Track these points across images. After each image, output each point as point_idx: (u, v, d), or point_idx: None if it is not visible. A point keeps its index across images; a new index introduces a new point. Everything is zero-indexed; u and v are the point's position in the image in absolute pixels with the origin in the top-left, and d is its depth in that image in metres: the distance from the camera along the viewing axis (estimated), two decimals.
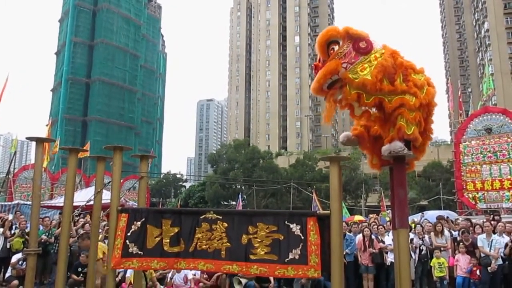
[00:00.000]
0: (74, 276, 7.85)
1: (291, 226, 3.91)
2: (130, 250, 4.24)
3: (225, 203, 46.97)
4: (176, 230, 4.25)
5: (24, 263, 8.01)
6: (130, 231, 4.31)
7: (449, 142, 60.87)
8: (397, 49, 3.85)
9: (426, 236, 9.48)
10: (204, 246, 4.12)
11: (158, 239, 4.26)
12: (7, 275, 8.71)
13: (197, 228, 4.19)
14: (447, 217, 14.85)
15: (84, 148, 20.01)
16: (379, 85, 3.58)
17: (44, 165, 24.29)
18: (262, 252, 3.92)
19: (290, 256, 3.82)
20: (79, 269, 7.89)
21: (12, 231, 9.78)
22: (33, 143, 5.05)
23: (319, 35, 3.83)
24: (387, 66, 3.62)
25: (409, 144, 3.73)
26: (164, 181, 64.44)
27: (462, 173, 18.76)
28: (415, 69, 3.82)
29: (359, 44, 3.67)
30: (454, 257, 8.99)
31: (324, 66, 3.71)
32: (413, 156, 3.87)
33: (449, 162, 35.85)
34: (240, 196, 30.27)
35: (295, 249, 3.83)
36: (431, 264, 8.90)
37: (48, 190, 25.36)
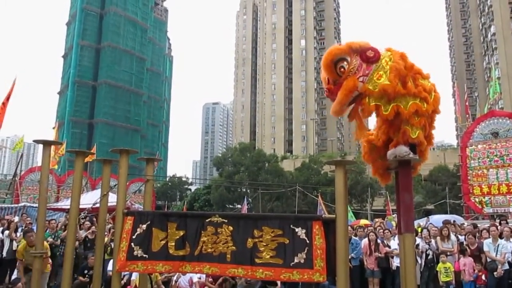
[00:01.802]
0: (81, 278, 7.95)
1: (297, 230, 3.90)
2: (135, 253, 4.25)
3: (231, 206, 46.95)
4: (181, 233, 4.26)
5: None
6: (136, 234, 4.32)
7: (455, 146, 60.59)
8: (403, 51, 3.83)
9: (433, 241, 9.42)
10: (209, 250, 4.12)
11: (163, 242, 4.26)
12: (13, 277, 8.76)
13: (202, 232, 4.19)
14: (454, 221, 14.76)
15: (91, 151, 20.12)
16: (397, 88, 3.56)
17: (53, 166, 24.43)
18: (268, 256, 3.92)
19: (296, 260, 3.81)
20: (86, 271, 8.00)
21: (18, 233, 9.83)
22: (40, 146, 5.09)
23: (323, 57, 3.75)
24: (400, 68, 3.61)
25: (414, 148, 3.72)
26: (169, 184, 64.55)
27: (469, 177, 18.68)
28: (422, 74, 3.80)
29: (367, 54, 3.64)
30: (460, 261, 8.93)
31: (342, 86, 3.63)
32: (418, 160, 3.85)
33: (455, 166, 35.66)
34: (245, 199, 30.24)
35: (301, 253, 3.82)
36: (437, 269, 8.84)
37: (54, 192, 25.50)
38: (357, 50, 3.66)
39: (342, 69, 3.66)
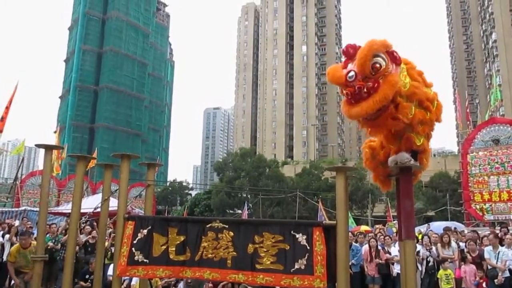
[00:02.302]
0: (82, 283, 7.95)
1: (297, 236, 3.90)
2: (136, 258, 4.25)
3: (231, 211, 46.90)
4: (182, 238, 4.26)
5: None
6: (137, 238, 4.32)
7: (456, 153, 60.49)
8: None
9: (433, 248, 9.40)
10: (210, 255, 4.12)
11: (164, 247, 4.27)
12: (13, 281, 8.73)
13: (203, 237, 4.19)
14: (455, 228, 14.73)
15: (92, 155, 20.07)
16: (422, 90, 3.57)
17: (54, 173, 24.45)
18: (268, 262, 3.92)
19: (296, 266, 3.81)
20: (87, 276, 8.01)
21: (19, 237, 9.82)
22: (41, 150, 5.11)
23: (361, 48, 3.40)
24: (414, 72, 3.63)
25: (415, 155, 3.73)
26: (170, 189, 64.53)
27: (470, 184, 18.67)
28: (426, 82, 3.80)
29: (394, 55, 3.45)
30: (461, 268, 8.90)
31: (387, 81, 3.30)
32: (419, 167, 3.87)
33: (456, 172, 35.63)
34: (245, 204, 30.21)
35: (301, 259, 3.82)
36: (438, 276, 8.81)
37: (55, 196, 25.49)
38: (389, 49, 3.46)
39: (377, 65, 3.32)
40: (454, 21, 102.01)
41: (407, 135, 3.64)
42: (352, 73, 3.37)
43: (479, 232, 11.18)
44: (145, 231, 4.32)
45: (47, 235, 9.26)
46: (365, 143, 4.14)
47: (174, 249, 4.23)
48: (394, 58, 3.42)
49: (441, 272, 8.78)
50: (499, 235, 9.49)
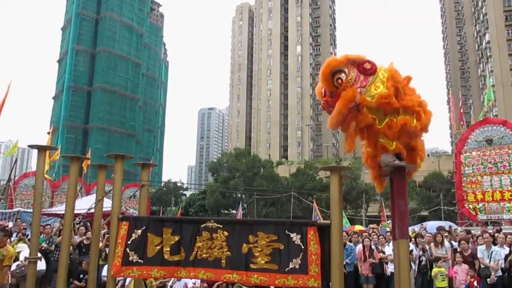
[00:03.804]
0: (76, 282, 7.94)
1: (292, 235, 3.91)
2: (131, 258, 4.24)
3: (226, 211, 46.92)
4: (176, 238, 4.25)
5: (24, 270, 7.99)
6: (131, 239, 4.31)
7: (450, 153, 60.89)
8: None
9: (427, 247, 9.46)
10: (204, 255, 4.12)
11: (158, 247, 4.26)
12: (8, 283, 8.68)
13: (197, 237, 4.19)
14: (450, 227, 14.83)
15: (86, 156, 20.01)
16: (393, 100, 3.57)
17: (45, 174, 24.30)
18: (263, 261, 3.92)
19: (291, 266, 3.82)
20: (81, 276, 8.01)
21: (12, 239, 9.77)
22: (34, 151, 5.08)
23: (322, 69, 3.74)
24: (397, 78, 3.66)
25: (399, 156, 3.77)
26: (164, 189, 64.37)
27: (463, 184, 18.78)
28: (414, 90, 3.84)
29: (364, 67, 3.66)
30: (453, 268, 8.96)
31: (341, 96, 3.63)
32: (410, 167, 3.91)
33: (450, 172, 35.84)
34: (240, 205, 30.22)
35: (296, 258, 3.83)
36: (433, 273, 8.87)
37: (49, 197, 25.35)
38: (355, 62, 3.68)
39: (339, 81, 3.66)
40: (448, 21, 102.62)
41: (380, 143, 3.70)
42: (323, 90, 3.81)
43: (472, 232, 11.27)
44: (139, 232, 4.31)
45: (41, 236, 9.23)
46: (354, 148, 4.17)
47: (168, 249, 4.22)
48: (364, 70, 3.64)
49: (435, 269, 8.84)
50: (495, 235, 9.57)
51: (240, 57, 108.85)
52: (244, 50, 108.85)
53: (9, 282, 8.52)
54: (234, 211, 42.77)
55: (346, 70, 3.67)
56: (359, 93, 3.63)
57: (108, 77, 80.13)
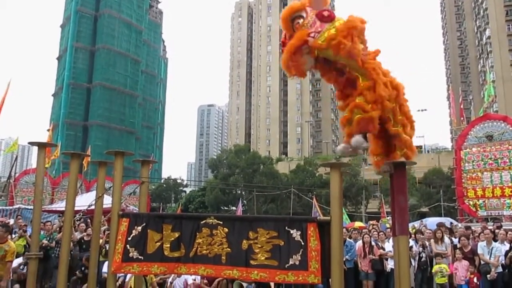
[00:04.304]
0: (77, 273, 8.03)
1: (292, 231, 3.91)
2: (131, 254, 4.25)
3: (225, 208, 46.95)
4: (176, 235, 4.26)
5: (25, 267, 8.02)
6: (131, 235, 4.31)
7: (450, 149, 60.85)
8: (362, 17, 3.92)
9: (426, 243, 9.47)
10: (204, 251, 4.13)
11: (158, 244, 4.26)
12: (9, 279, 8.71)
13: (197, 233, 4.20)
14: (451, 223, 14.83)
15: (86, 153, 20.05)
16: (349, 39, 3.62)
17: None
18: (263, 258, 3.93)
19: (291, 262, 3.82)
20: (82, 268, 8.12)
21: (13, 236, 9.80)
22: (35, 148, 5.08)
23: (283, 11, 3.93)
24: (353, 25, 3.71)
25: (365, 135, 3.80)
26: (164, 186, 64.42)
27: (463, 180, 18.76)
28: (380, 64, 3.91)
29: (322, 14, 3.80)
30: (453, 264, 8.98)
31: (293, 37, 3.80)
32: (409, 163, 3.92)
33: (450, 169, 35.83)
34: (240, 201, 30.24)
35: (295, 254, 3.83)
36: (433, 270, 8.88)
37: (49, 194, 25.38)
38: (314, 8, 3.83)
39: (297, 25, 3.83)
40: (448, 17, 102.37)
41: (354, 103, 3.72)
42: (283, 33, 4.01)
43: (472, 228, 11.27)
44: (139, 228, 4.32)
45: (42, 233, 9.24)
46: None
47: (168, 245, 4.23)
48: (321, 16, 3.78)
49: (435, 266, 8.85)
50: (496, 231, 9.58)
51: (239, 54, 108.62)
52: (243, 47, 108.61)
53: (11, 278, 8.55)
54: (234, 208, 42.80)
55: (305, 15, 3.83)
56: (312, 38, 3.73)
57: (108, 74, 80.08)
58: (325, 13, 3.80)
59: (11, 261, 6.62)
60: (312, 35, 3.73)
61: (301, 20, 3.82)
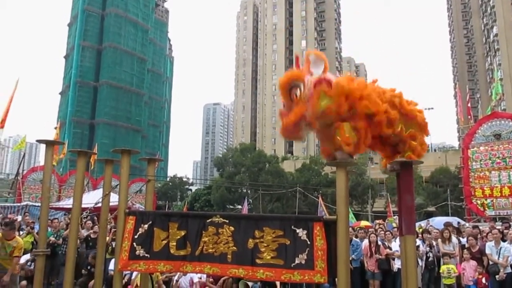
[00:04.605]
0: (83, 271, 8.09)
1: (298, 230, 3.90)
2: (137, 252, 4.26)
3: (231, 207, 47.01)
4: (182, 233, 4.26)
5: (33, 264, 8.09)
6: (138, 233, 4.33)
7: (457, 148, 60.52)
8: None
9: (434, 243, 9.42)
10: (210, 250, 4.13)
11: (164, 242, 4.27)
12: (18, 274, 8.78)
13: (203, 232, 4.20)
14: (459, 223, 14.73)
15: (93, 151, 20.15)
16: (341, 109, 3.65)
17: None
18: (269, 257, 3.92)
19: (297, 261, 3.81)
20: (88, 267, 8.16)
21: (21, 232, 9.89)
22: (42, 145, 5.11)
23: (280, 79, 3.90)
24: (345, 90, 3.68)
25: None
26: (170, 184, 64.61)
27: (471, 179, 18.62)
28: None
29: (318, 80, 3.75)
30: (461, 265, 8.91)
31: (292, 113, 3.78)
32: (416, 162, 3.92)
33: (457, 168, 35.63)
34: (246, 200, 30.24)
35: (302, 254, 3.82)
36: (441, 271, 8.82)
37: (56, 192, 25.56)
38: (314, 70, 3.81)
39: (294, 96, 3.80)
40: (454, 15, 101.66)
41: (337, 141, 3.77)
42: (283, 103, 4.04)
43: (480, 228, 11.18)
44: (146, 226, 4.33)
45: (49, 230, 9.31)
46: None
47: (175, 243, 4.24)
48: (317, 83, 3.73)
49: (443, 267, 8.79)
50: (503, 231, 9.50)
51: (245, 52, 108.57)
52: (249, 45, 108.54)
53: (19, 274, 8.63)
54: (239, 206, 42.82)
55: (302, 86, 3.77)
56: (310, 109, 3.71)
57: (114, 73, 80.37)
58: (319, 81, 3.75)
59: (19, 257, 6.75)
60: (310, 109, 3.73)
61: (298, 92, 3.78)
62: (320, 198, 24.03)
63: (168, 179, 66.98)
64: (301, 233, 3.88)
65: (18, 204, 17.26)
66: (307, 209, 39.02)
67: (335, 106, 3.65)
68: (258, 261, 3.95)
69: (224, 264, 4.07)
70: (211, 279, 8.36)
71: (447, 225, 10.77)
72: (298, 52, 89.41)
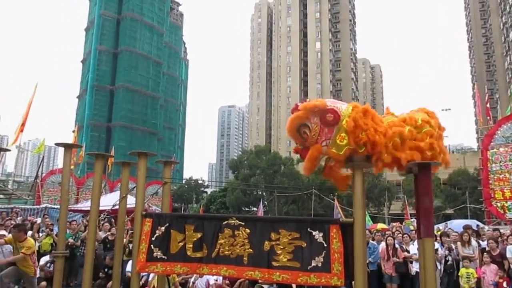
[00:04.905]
0: (101, 274, 8.18)
1: (314, 233, 3.88)
2: (155, 254, 4.30)
3: (247, 209, 47.05)
4: (199, 235, 4.28)
5: (52, 265, 8.21)
6: (155, 235, 4.36)
7: (476, 149, 59.50)
8: (366, 106, 3.84)
9: (453, 246, 9.26)
10: (226, 252, 4.14)
11: (181, 244, 4.30)
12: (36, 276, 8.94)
13: (219, 234, 4.21)
14: (478, 226, 14.47)
15: (110, 154, 20.39)
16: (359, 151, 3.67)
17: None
18: (285, 259, 3.91)
19: (313, 264, 3.79)
20: (105, 269, 8.24)
21: (40, 234, 10.09)
22: (60, 148, 5.19)
23: (287, 127, 3.90)
24: (353, 131, 3.65)
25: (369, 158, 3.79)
26: (186, 186, 64.98)
27: (490, 181, 18.30)
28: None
29: (326, 118, 3.70)
30: (481, 268, 8.75)
31: (308, 155, 3.80)
32: (434, 163, 3.85)
33: (476, 169, 35.02)
34: (261, 202, 30.23)
35: (318, 256, 3.80)
36: (460, 274, 8.67)
37: (74, 194, 25.93)
38: (316, 114, 3.73)
39: (305, 135, 3.79)
40: (472, 14, 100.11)
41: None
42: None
43: (501, 231, 10.97)
44: (162, 228, 4.36)
45: (68, 232, 9.45)
46: (346, 186, 4.16)
47: (191, 246, 4.26)
48: (326, 122, 3.70)
49: (462, 270, 8.64)
50: None
51: (259, 55, 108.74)
52: (263, 47, 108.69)
53: (38, 275, 8.78)
54: (255, 209, 42.82)
55: (310, 125, 3.76)
56: (325, 146, 3.72)
57: (130, 76, 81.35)
58: (329, 117, 3.70)
59: (25, 254, 6.86)
60: (324, 144, 3.73)
61: (307, 130, 3.78)
62: (336, 201, 23.89)
63: (184, 181, 67.39)
64: (317, 235, 3.86)
65: (38, 206, 17.56)
66: (322, 212, 38.83)
67: (353, 143, 3.65)
68: (274, 263, 3.94)
69: (240, 266, 4.07)
70: (227, 281, 8.37)
71: (466, 228, 10.58)
72: (312, 54, 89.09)
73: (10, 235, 7.38)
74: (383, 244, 9.44)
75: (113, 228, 9.98)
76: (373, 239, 10.09)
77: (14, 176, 28.29)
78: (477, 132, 74.91)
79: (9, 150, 10.02)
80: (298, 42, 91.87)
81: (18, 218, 12.77)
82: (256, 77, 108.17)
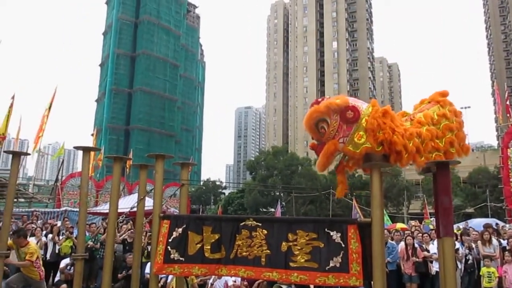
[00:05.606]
0: (119, 275, 8.29)
1: (332, 233, 3.86)
2: (172, 256, 4.32)
3: (264, 210, 47.01)
4: (216, 236, 4.30)
5: (72, 268, 8.33)
6: (172, 237, 4.39)
7: (496, 147, 58.26)
8: (387, 107, 3.80)
9: (473, 245, 9.10)
10: (244, 253, 4.14)
11: (199, 245, 4.32)
12: (56, 279, 9.10)
13: (237, 235, 4.22)
14: (497, 224, 14.19)
15: (128, 156, 20.68)
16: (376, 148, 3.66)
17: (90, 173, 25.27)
18: (302, 260, 3.89)
19: (331, 264, 3.77)
20: (124, 271, 8.43)
21: (61, 237, 10.26)
22: (80, 152, 5.28)
23: (304, 120, 3.88)
24: (374, 129, 3.64)
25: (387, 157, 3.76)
26: (203, 188, 65.29)
27: (511, 179, 17.92)
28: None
29: (346, 115, 3.69)
30: (502, 267, 8.57)
31: (323, 150, 3.81)
32: (453, 162, 3.82)
33: (496, 167, 34.31)
34: (279, 203, 30.17)
35: (336, 257, 3.78)
36: (481, 273, 8.52)
37: (93, 197, 26.32)
38: (337, 111, 3.71)
39: (323, 130, 3.78)
40: (491, 10, 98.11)
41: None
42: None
43: None
44: (180, 230, 4.39)
45: (87, 234, 9.60)
46: (344, 192, 4.24)
47: (209, 247, 4.27)
48: (346, 119, 3.69)
49: (483, 269, 8.50)
50: None
51: (275, 55, 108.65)
52: (280, 48, 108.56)
53: (58, 278, 8.94)
54: (272, 209, 42.80)
55: (329, 120, 3.75)
56: (342, 143, 3.71)
57: (148, 79, 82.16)
58: (349, 115, 3.70)
59: (30, 261, 6.74)
60: (341, 141, 3.73)
61: (325, 125, 3.78)
62: (354, 200, 23.68)
63: (201, 183, 67.73)
64: (335, 236, 3.84)
65: (58, 209, 17.87)
66: (341, 212, 38.54)
67: (372, 142, 3.64)
68: (292, 264, 3.93)
69: (258, 268, 4.07)
70: (245, 283, 8.37)
71: (487, 226, 10.39)
72: (329, 54, 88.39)
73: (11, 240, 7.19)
74: (402, 244, 9.33)
75: (130, 231, 10.10)
76: (392, 239, 9.97)
77: (34, 180, 28.79)
78: (497, 130, 73.25)
79: (28, 154, 10.16)
80: (315, 42, 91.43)
81: (39, 221, 13.04)
82: (272, 77, 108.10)
